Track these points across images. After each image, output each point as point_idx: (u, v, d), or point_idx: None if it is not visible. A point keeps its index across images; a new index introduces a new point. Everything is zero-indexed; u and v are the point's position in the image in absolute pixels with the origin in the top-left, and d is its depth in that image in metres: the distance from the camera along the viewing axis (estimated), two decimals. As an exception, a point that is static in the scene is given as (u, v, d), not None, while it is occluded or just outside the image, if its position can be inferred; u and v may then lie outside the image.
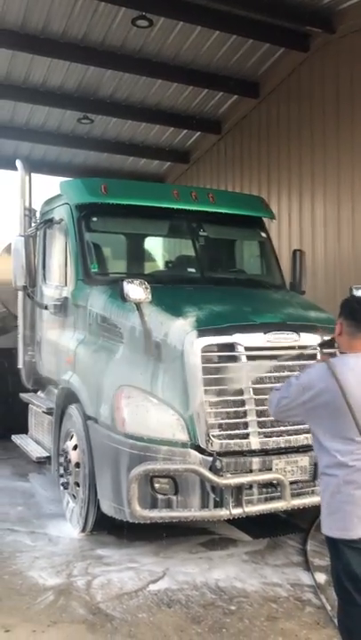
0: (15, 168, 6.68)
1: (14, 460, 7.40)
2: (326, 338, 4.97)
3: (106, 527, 4.92)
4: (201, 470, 4.26)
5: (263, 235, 6.63)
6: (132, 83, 11.15)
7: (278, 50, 10.34)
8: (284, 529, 5.30)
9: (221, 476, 4.32)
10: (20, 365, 6.83)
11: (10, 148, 13.11)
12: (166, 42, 9.89)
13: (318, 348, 4.32)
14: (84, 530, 5.02)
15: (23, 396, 7.04)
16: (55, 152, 13.68)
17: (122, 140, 13.30)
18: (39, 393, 6.91)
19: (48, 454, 6.05)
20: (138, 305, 4.60)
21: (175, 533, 4.96)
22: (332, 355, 3.26)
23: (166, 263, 6.43)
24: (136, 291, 4.55)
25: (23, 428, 7.06)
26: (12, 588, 4.16)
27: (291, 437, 4.69)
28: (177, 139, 13.39)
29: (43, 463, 6.27)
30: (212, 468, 4.35)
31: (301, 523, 5.39)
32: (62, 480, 5.42)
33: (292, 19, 9.06)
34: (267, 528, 5.22)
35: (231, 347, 4.62)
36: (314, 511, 5.42)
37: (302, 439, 4.73)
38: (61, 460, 5.46)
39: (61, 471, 5.44)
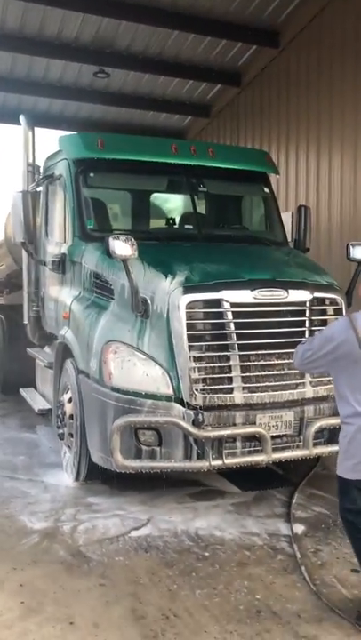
0: (34, 124, 6.64)
1: (24, 413, 7.65)
2: (318, 294, 5.01)
3: (97, 476, 5.09)
4: (181, 423, 4.36)
5: (266, 190, 6.53)
6: (149, 34, 10.89)
7: (298, -5, 9.95)
8: (275, 482, 5.39)
9: (202, 429, 4.42)
10: (26, 321, 6.98)
11: (28, 103, 13.06)
12: (181, -9, 9.61)
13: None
14: (77, 479, 5.22)
15: (30, 350, 7.23)
16: (74, 107, 13.57)
17: (141, 94, 13.07)
18: (45, 348, 7.07)
19: (50, 407, 6.24)
20: (124, 261, 4.64)
21: (166, 485, 5.11)
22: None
23: (164, 219, 6.40)
24: (122, 247, 4.58)
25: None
26: (0, 530, 4.38)
27: (276, 393, 4.74)
28: (197, 92, 13.10)
29: (45, 415, 6.47)
30: (194, 422, 4.44)
31: (294, 477, 5.49)
32: (59, 431, 5.61)
33: None
34: (258, 481, 5.33)
35: (217, 303, 4.65)
36: (306, 466, 5.61)
37: (287, 395, 4.78)
38: (58, 412, 5.64)
39: (58, 423, 5.63)
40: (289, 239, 6.63)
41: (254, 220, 6.68)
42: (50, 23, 10.39)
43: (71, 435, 5.31)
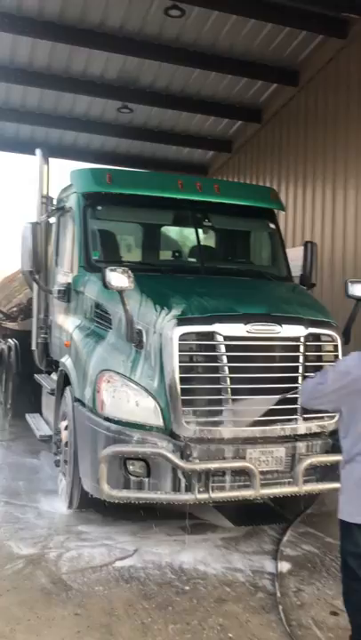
0: (60, 156, 6.89)
1: (30, 438, 7.69)
2: (314, 330, 5.02)
3: (90, 505, 5.11)
4: (168, 454, 4.38)
5: (271, 226, 6.61)
6: (172, 72, 11.24)
7: (316, 37, 10.17)
8: (270, 519, 5.34)
9: (190, 461, 4.43)
10: (34, 347, 7.13)
11: (55, 137, 13.50)
12: (202, 31, 9.92)
13: None
14: (70, 506, 5.25)
15: (37, 376, 7.36)
16: (99, 140, 13.99)
17: (164, 129, 13.43)
18: (53, 375, 7.18)
19: (51, 433, 6.32)
20: (120, 292, 4.74)
21: (159, 517, 5.10)
22: None
23: (169, 252, 6.52)
24: (119, 278, 4.69)
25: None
26: (-14, 554, 4.44)
27: (267, 428, 4.74)
28: (219, 128, 13.40)
29: (47, 442, 6.54)
30: (182, 454, 4.46)
31: (290, 514, 5.43)
32: (56, 458, 5.67)
33: (329, 5, 8.88)
34: (253, 517, 5.29)
35: (210, 336, 4.69)
36: (303, 503, 5.55)
37: (279, 430, 4.77)
38: (56, 438, 5.71)
39: (55, 450, 5.69)
40: (298, 274, 6.67)
41: (259, 255, 6.76)
42: (76, 61, 10.81)
43: (66, 462, 5.37)
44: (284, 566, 4.41)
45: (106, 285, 4.80)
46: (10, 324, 10.18)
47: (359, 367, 3.08)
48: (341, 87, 9.88)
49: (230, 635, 3.48)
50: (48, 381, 6.85)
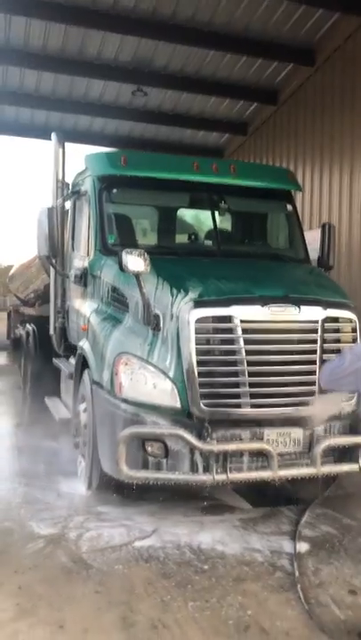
0: (75, 141, 6.87)
1: (49, 422, 7.80)
2: (332, 312, 4.99)
3: (108, 486, 5.15)
4: (186, 435, 4.41)
5: (289, 207, 6.56)
6: (186, 54, 11.15)
7: (333, 15, 10.00)
8: (287, 500, 5.36)
9: (207, 442, 4.46)
10: (52, 332, 7.17)
11: (69, 122, 13.48)
12: (216, 10, 9.80)
13: None
14: (89, 487, 5.31)
15: (55, 361, 7.41)
16: (114, 125, 13.94)
17: (179, 112, 13.35)
18: (71, 359, 7.23)
19: (70, 416, 6.38)
20: (137, 276, 4.74)
21: (177, 498, 5.15)
22: None
23: (185, 235, 6.50)
24: (135, 261, 4.70)
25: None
26: (8, 534, 4.50)
27: (285, 409, 4.74)
28: (234, 110, 13.28)
29: (66, 424, 6.60)
30: (200, 435, 4.49)
31: (308, 496, 5.43)
32: (75, 440, 5.73)
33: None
34: (271, 498, 5.31)
35: (227, 319, 4.69)
36: (321, 484, 5.55)
37: (296, 412, 4.76)
38: (75, 421, 5.77)
39: (74, 432, 5.75)
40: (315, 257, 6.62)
41: (276, 237, 6.71)
42: (90, 44, 10.75)
43: (85, 444, 5.42)
44: (303, 547, 4.42)
45: (122, 269, 4.81)
46: (28, 310, 10.25)
47: None
48: (359, 66, 9.72)
49: (249, 612, 3.51)
50: (66, 365, 6.90)
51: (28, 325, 9.97)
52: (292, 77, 11.64)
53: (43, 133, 12.42)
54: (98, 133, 14.20)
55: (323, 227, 6.76)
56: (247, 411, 4.65)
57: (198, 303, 4.69)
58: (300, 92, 11.54)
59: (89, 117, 13.51)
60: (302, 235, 6.58)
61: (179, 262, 5.51)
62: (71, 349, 7.06)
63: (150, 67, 11.42)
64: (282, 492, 5.36)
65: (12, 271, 13.48)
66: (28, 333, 9.84)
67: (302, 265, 6.22)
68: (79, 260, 6.37)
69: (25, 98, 12.36)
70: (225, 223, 6.28)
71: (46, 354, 8.16)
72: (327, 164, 10.62)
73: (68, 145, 6.95)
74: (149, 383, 4.68)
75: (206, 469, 4.53)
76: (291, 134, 11.94)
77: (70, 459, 6.38)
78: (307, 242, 6.63)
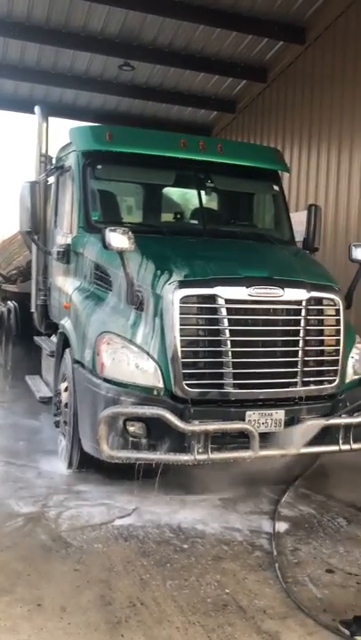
0: (60, 115, 6.72)
1: (31, 400, 7.74)
2: (316, 294, 4.96)
3: (89, 465, 5.14)
4: (167, 415, 4.38)
5: (276, 188, 6.50)
6: (174, 28, 10.91)
7: (325, -8, 9.84)
8: (269, 480, 5.38)
9: (189, 422, 4.44)
10: (33, 309, 7.09)
11: (55, 95, 13.21)
12: (206, -16, 9.59)
13: None
14: (70, 466, 5.29)
15: (36, 339, 7.35)
16: (100, 99, 13.68)
17: (166, 88, 13.11)
18: (53, 337, 7.17)
19: (51, 395, 6.33)
20: (120, 254, 4.68)
21: (159, 477, 5.13)
22: None
23: (171, 214, 6.42)
24: (119, 239, 4.62)
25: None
26: (-13, 512, 4.49)
27: (267, 390, 4.74)
28: (222, 87, 13.08)
29: (46, 403, 6.57)
30: (182, 415, 4.47)
31: (289, 476, 5.47)
32: (55, 419, 5.70)
33: None
34: (252, 478, 5.32)
35: (211, 298, 4.65)
36: (302, 464, 5.59)
37: (279, 393, 4.77)
38: (56, 400, 5.73)
39: (55, 411, 5.72)
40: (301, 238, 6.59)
41: (262, 218, 6.67)
42: (76, 15, 10.48)
43: (66, 423, 5.39)
44: (282, 526, 4.46)
45: (106, 246, 4.74)
46: (9, 287, 10.13)
47: None
48: (350, 45, 9.60)
49: (227, 590, 3.53)
50: (48, 343, 6.84)
51: (9, 302, 9.87)
52: (283, 55, 11.47)
53: (27, 107, 12.07)
54: (83, 108, 13.91)
55: (309, 208, 6.72)
56: (230, 391, 4.63)
57: (183, 283, 4.64)
58: (290, 70, 11.39)
59: (74, 91, 13.21)
60: (288, 216, 6.54)
61: (164, 241, 5.44)
62: (53, 327, 7.00)
63: (138, 40, 11.18)
64: (263, 471, 5.38)
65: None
66: (9, 310, 9.74)
67: (288, 246, 6.18)
68: (62, 236, 6.27)
69: (8, 69, 12.05)
70: (211, 202, 6.22)
71: (28, 332, 8.10)
72: (315, 143, 10.53)
73: (53, 120, 6.82)
74: (132, 363, 4.64)
75: (188, 449, 4.51)
76: (280, 113, 11.81)
77: (51, 437, 6.36)
78: (296, 223, 6.59)
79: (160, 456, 4.49)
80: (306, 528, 4.46)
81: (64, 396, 5.46)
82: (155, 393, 4.61)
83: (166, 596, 3.44)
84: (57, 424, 5.67)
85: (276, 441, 4.74)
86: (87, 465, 5.16)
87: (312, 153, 10.65)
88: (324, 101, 10.29)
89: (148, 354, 4.65)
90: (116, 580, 3.60)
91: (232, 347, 4.64)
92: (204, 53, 11.60)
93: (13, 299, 9.58)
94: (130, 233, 4.64)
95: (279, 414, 4.77)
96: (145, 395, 4.59)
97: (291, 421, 4.80)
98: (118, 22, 10.69)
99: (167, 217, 6.36)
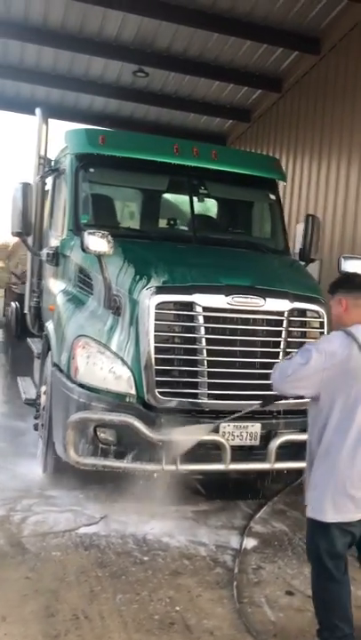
0: (72, 120, 6.69)
1: (21, 401, 7.73)
2: (299, 305, 4.84)
3: (62, 469, 5.02)
4: (135, 423, 4.29)
5: (272, 197, 6.39)
6: (189, 35, 10.87)
7: (340, 2, 9.72)
8: (248, 494, 5.25)
9: (158, 431, 4.34)
10: (26, 310, 7.07)
11: (70, 100, 13.28)
12: (222, -8, 9.55)
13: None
14: (45, 470, 5.22)
15: (28, 340, 7.32)
16: (115, 105, 13.70)
17: (181, 96, 13.08)
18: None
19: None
20: (99, 257, 4.61)
21: (135, 485, 5.03)
22: None
23: (162, 219, 6.34)
24: (97, 242, 4.55)
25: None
26: None
27: (242, 402, 4.59)
28: (237, 96, 13.00)
29: (31, 405, 6.50)
30: (152, 424, 4.37)
31: (270, 491, 5.33)
32: (35, 422, 5.64)
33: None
34: (231, 491, 5.21)
35: (188, 306, 4.56)
36: (285, 480, 5.43)
37: (255, 406, 4.63)
38: (37, 402, 5.67)
39: (36, 413, 5.66)
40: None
41: (256, 227, 6.54)
42: (91, 21, 10.52)
43: (43, 426, 5.33)
44: (250, 543, 4.34)
45: (84, 249, 4.68)
46: (18, 288, 10.13)
47: (346, 347, 2.87)
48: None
49: (177, 608, 3.42)
50: (38, 345, 6.80)
51: (12, 303, 9.89)
52: (297, 65, 11.36)
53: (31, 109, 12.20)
54: (99, 114, 13.95)
55: (306, 218, 6.57)
56: (204, 401, 4.53)
57: (160, 289, 4.55)
58: (305, 80, 11.28)
59: (89, 97, 13.26)
60: (284, 225, 6.42)
61: (149, 246, 5.36)
62: (44, 329, 6.95)
63: (152, 47, 11.18)
64: (244, 485, 5.26)
65: (9, 248, 13.42)
66: (11, 311, 9.77)
67: (281, 257, 6.06)
68: (54, 238, 6.24)
69: (23, 73, 12.13)
70: (203, 209, 6.12)
71: (24, 332, 8.08)
72: (325, 154, 10.39)
73: (67, 124, 6.79)
74: (105, 368, 4.57)
75: (156, 459, 4.41)
76: (293, 123, 11.70)
77: (34, 440, 6.30)
78: (300, 234, 6.40)
79: (127, 464, 4.40)
80: (275, 546, 4.33)
81: (43, 399, 5.41)
82: (127, 400, 4.53)
83: (113, 610, 3.34)
84: (36, 427, 5.61)
85: (250, 455, 4.61)
86: (60, 469, 5.07)
87: (322, 164, 10.51)
88: (335, 112, 10.15)
89: (122, 360, 4.57)
90: (65, 591, 3.51)
91: (208, 356, 4.54)
92: (219, 62, 11.54)
93: (17, 299, 9.60)
94: (109, 237, 4.57)
95: (255, 427, 4.64)
96: (117, 401, 4.51)
97: (267, 435, 4.67)
98: (133, 29, 10.70)
99: (158, 222, 6.28)
